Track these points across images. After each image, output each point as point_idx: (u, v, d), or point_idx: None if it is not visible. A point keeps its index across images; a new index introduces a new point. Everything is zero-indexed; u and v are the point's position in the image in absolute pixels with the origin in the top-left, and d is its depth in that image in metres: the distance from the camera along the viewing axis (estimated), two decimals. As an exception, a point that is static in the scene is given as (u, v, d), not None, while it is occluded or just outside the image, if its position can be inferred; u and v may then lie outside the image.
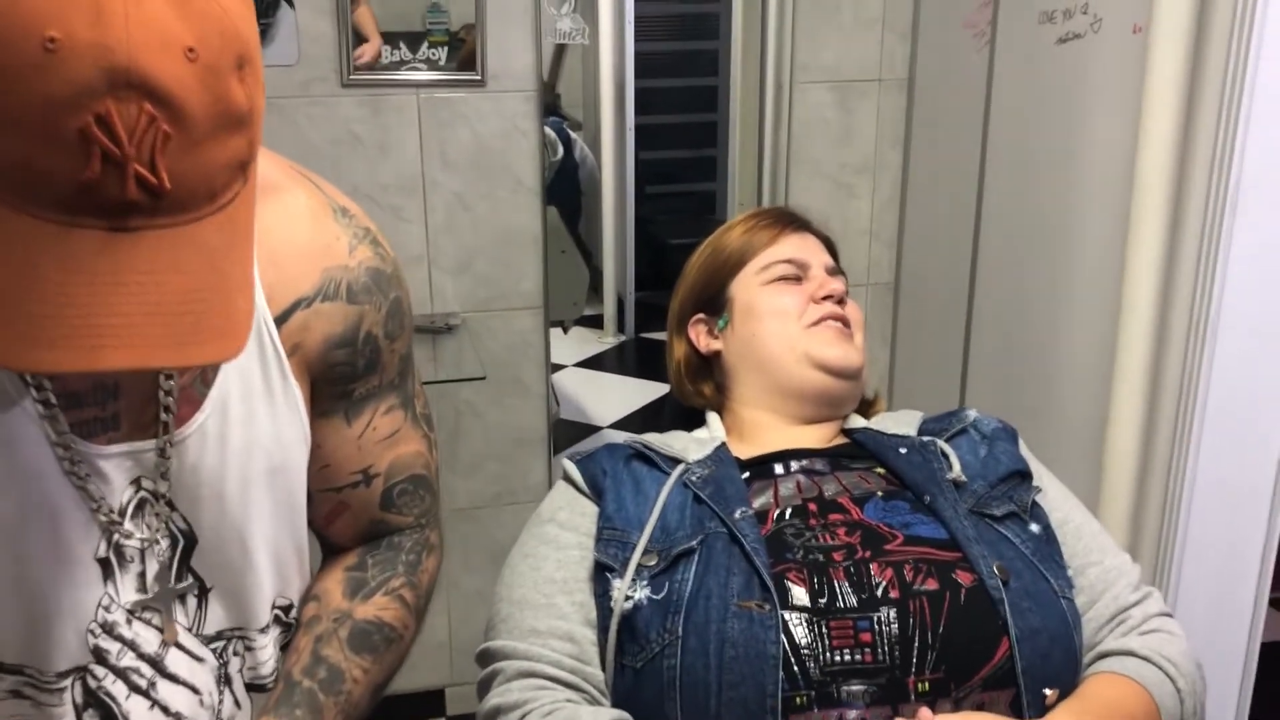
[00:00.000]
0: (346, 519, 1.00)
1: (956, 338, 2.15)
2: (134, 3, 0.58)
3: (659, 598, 0.97)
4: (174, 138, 0.60)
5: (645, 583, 0.99)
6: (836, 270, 1.26)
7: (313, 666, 0.92)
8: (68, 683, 0.83)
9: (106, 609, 0.83)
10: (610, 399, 4.49)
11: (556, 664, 0.98)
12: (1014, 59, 1.94)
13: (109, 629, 0.83)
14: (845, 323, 1.19)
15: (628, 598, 0.99)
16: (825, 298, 1.20)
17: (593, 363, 4.97)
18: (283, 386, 0.88)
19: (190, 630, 0.88)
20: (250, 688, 0.94)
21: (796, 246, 1.25)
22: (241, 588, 0.90)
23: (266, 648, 0.93)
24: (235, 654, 0.91)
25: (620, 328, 5.28)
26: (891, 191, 2.44)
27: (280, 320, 0.87)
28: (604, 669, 1.00)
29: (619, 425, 4.22)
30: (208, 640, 0.90)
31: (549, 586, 1.04)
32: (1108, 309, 1.63)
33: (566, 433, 3.93)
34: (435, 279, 2.23)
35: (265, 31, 2.02)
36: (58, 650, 0.82)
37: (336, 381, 0.92)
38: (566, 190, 4.19)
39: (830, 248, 1.29)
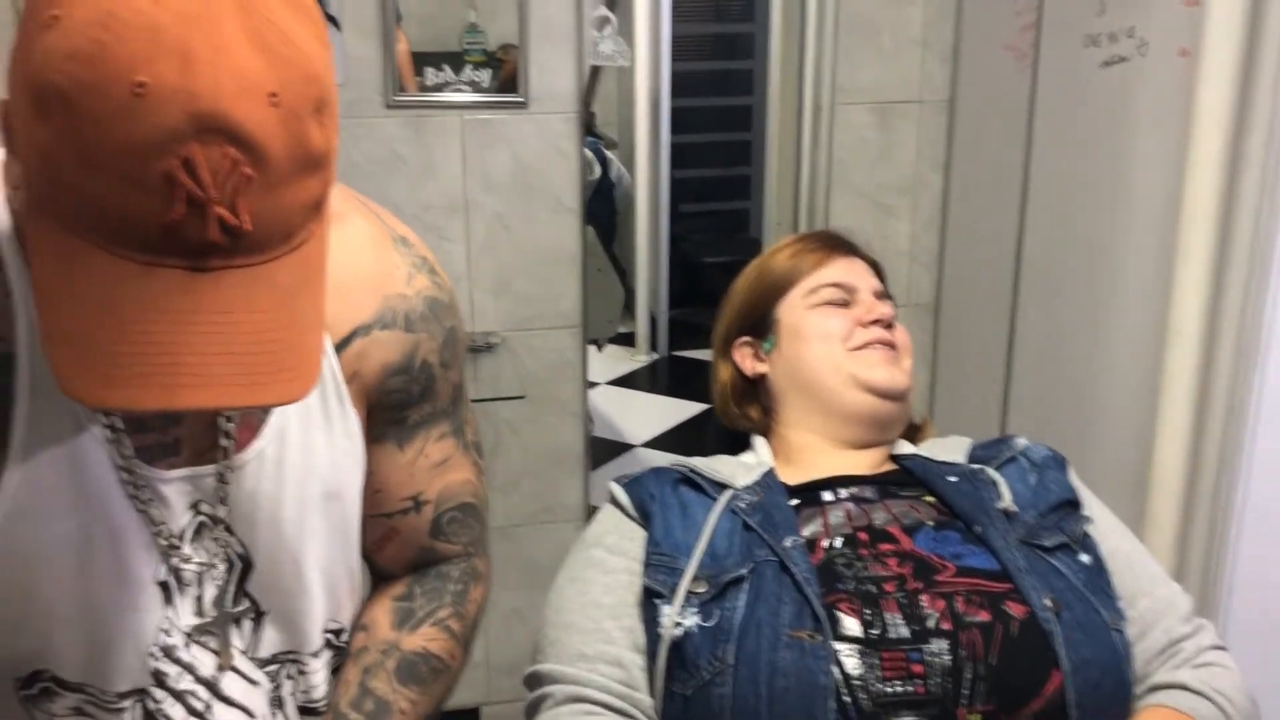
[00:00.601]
0: (396, 545, 1.01)
1: (998, 360, 2.14)
2: (221, 49, 0.60)
3: (709, 625, 0.97)
4: (255, 180, 0.61)
5: (695, 610, 0.99)
6: (884, 294, 1.26)
7: (360, 699, 0.93)
8: (128, 704, 0.84)
9: (166, 632, 0.84)
10: (643, 417, 4.50)
11: (605, 689, 0.98)
12: (1057, 82, 1.93)
13: (168, 652, 0.85)
14: (892, 346, 1.19)
15: (677, 624, 0.99)
16: (873, 322, 1.20)
17: (626, 381, 4.98)
18: (340, 413, 0.89)
19: (245, 654, 0.89)
20: (302, 710, 0.95)
21: (844, 270, 1.25)
22: (295, 611, 0.91)
23: (318, 671, 0.94)
24: (288, 677, 0.92)
25: (653, 346, 5.29)
26: (931, 213, 2.43)
27: (340, 347, 0.88)
28: (652, 695, 0.99)
29: (652, 444, 4.22)
30: (262, 664, 0.91)
31: (597, 611, 1.04)
32: (1153, 332, 1.62)
33: (599, 451, 3.94)
34: (475, 298, 2.24)
35: (311, 53, 2.04)
36: (119, 671, 0.83)
37: (391, 408, 0.93)
38: (602, 209, 4.20)
39: (878, 271, 1.29)
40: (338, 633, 0.96)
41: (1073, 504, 1.10)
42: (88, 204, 0.60)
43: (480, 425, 2.35)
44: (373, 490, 0.96)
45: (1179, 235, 1.52)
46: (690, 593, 1.00)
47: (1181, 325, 1.54)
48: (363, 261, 0.90)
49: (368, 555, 1.01)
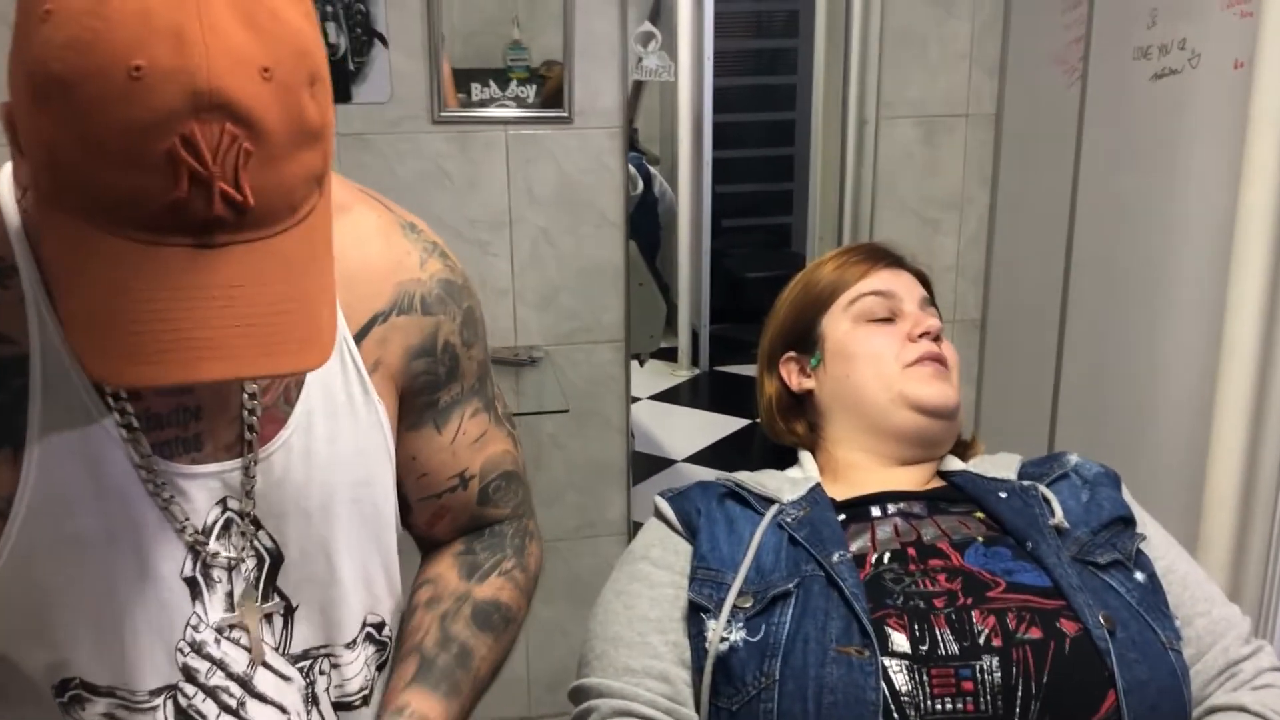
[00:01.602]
0: (447, 521, 1.03)
1: (1046, 376, 2.11)
2: (211, 28, 0.61)
3: (755, 640, 0.97)
4: (254, 155, 0.62)
5: (741, 624, 0.98)
6: (931, 304, 1.25)
7: (445, 642, 0.94)
8: (159, 701, 0.85)
9: (195, 628, 0.85)
10: (684, 432, 4.49)
11: (651, 704, 0.98)
12: (1107, 95, 1.91)
13: (198, 648, 0.85)
14: (942, 362, 1.18)
15: (723, 639, 0.98)
16: (922, 335, 1.18)
17: (667, 395, 4.98)
18: (365, 402, 0.89)
19: (277, 650, 0.89)
20: (337, 706, 0.95)
21: (888, 280, 1.24)
22: (328, 603, 0.91)
23: (354, 664, 0.94)
24: (321, 673, 0.92)
25: (695, 360, 5.28)
26: (978, 227, 2.41)
27: (359, 337, 0.89)
28: (698, 710, 0.99)
29: (693, 459, 4.21)
30: (295, 660, 0.91)
31: (643, 625, 1.03)
32: (1206, 348, 1.59)
33: (641, 466, 3.93)
34: (520, 312, 2.25)
35: (359, 70, 2.07)
36: (148, 669, 0.83)
37: (421, 392, 0.95)
38: (645, 225, 4.22)
39: (925, 283, 1.28)
40: (379, 626, 0.97)
41: (1126, 521, 1.08)
42: (93, 189, 0.61)
43: (523, 439, 2.36)
44: (419, 475, 0.98)
45: (1234, 249, 1.50)
46: (736, 607, 0.99)
47: (1236, 341, 1.51)
48: (373, 251, 0.91)
49: (420, 534, 1.03)
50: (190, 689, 0.85)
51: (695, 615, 1.02)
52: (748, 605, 0.99)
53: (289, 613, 0.89)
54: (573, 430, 2.34)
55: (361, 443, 0.90)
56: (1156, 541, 1.10)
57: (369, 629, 0.95)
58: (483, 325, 1.00)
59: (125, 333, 0.62)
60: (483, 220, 2.19)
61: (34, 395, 0.76)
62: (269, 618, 0.88)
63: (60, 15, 0.60)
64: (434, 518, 1.02)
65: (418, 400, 0.95)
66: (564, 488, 2.38)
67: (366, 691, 0.96)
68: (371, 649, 0.96)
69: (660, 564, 1.08)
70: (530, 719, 2.48)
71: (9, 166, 0.80)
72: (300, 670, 0.91)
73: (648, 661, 1.00)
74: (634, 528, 2.41)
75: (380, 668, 0.98)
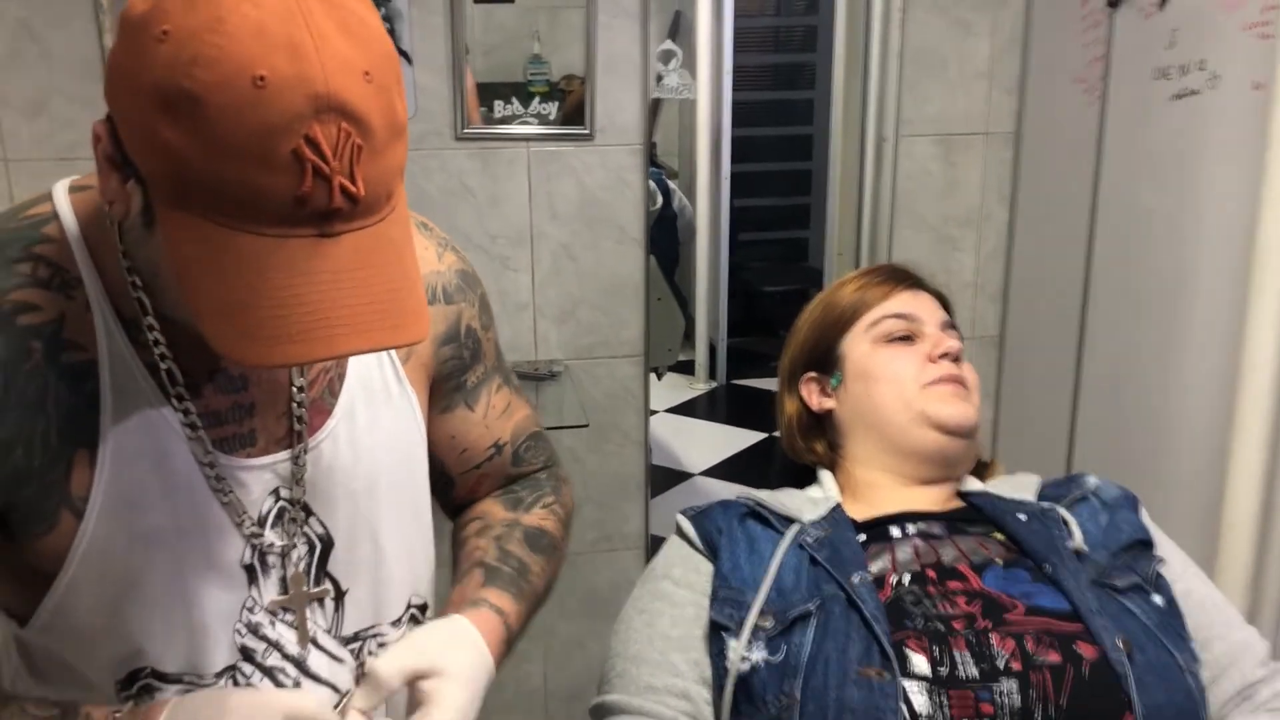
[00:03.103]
0: (487, 484, 1.11)
1: (1064, 395, 2.11)
2: (320, 38, 0.67)
3: (776, 660, 0.98)
4: (364, 150, 0.69)
5: (762, 644, 0.99)
6: (951, 326, 1.25)
7: (503, 557, 1.00)
8: (222, 683, 0.88)
9: (250, 610, 0.89)
10: (701, 445, 4.49)
11: (672, 722, 0.99)
12: (1126, 115, 1.92)
13: (254, 629, 0.89)
14: (962, 383, 1.19)
15: (744, 658, 0.99)
16: (942, 355, 1.19)
17: (684, 409, 4.98)
18: (400, 391, 0.96)
19: (329, 632, 0.94)
20: None
21: (909, 302, 1.25)
22: (376, 583, 0.96)
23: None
24: (370, 653, 0.97)
25: (712, 374, 5.29)
26: (996, 245, 2.42)
27: None
28: (718, 729, 1.00)
29: (710, 472, 4.21)
30: (346, 641, 0.95)
31: (664, 643, 1.04)
32: (1225, 369, 1.59)
33: (658, 479, 3.94)
34: (540, 327, 2.27)
35: (384, 87, 2.09)
36: (214, 653, 0.88)
37: (450, 376, 1.02)
38: (664, 239, 4.23)
39: (945, 304, 1.29)
40: (422, 608, 1.02)
41: (1145, 544, 1.09)
42: (223, 191, 0.67)
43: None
44: (459, 451, 1.06)
45: (1252, 269, 1.50)
46: (758, 627, 1.00)
47: (1255, 360, 1.51)
48: None
49: (461, 502, 1.10)
50: (248, 668, 0.89)
51: (716, 634, 1.03)
52: (769, 625, 1.00)
53: (340, 597, 0.94)
54: (591, 444, 2.35)
55: (399, 429, 0.96)
56: (1175, 564, 1.10)
57: (413, 609, 1.00)
58: (490, 309, 1.08)
59: (268, 317, 0.68)
60: (504, 235, 2.21)
61: (105, 398, 0.80)
62: (320, 601, 0.93)
63: (179, 35, 0.66)
64: (475, 486, 1.10)
65: (447, 384, 1.03)
66: (582, 501, 2.39)
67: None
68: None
69: (682, 583, 1.09)
70: (547, 732, 2.48)
71: (62, 183, 0.83)
72: (351, 652, 0.95)
73: (669, 680, 1.01)
74: (651, 541, 2.42)
75: None
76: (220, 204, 0.67)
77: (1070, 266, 2.09)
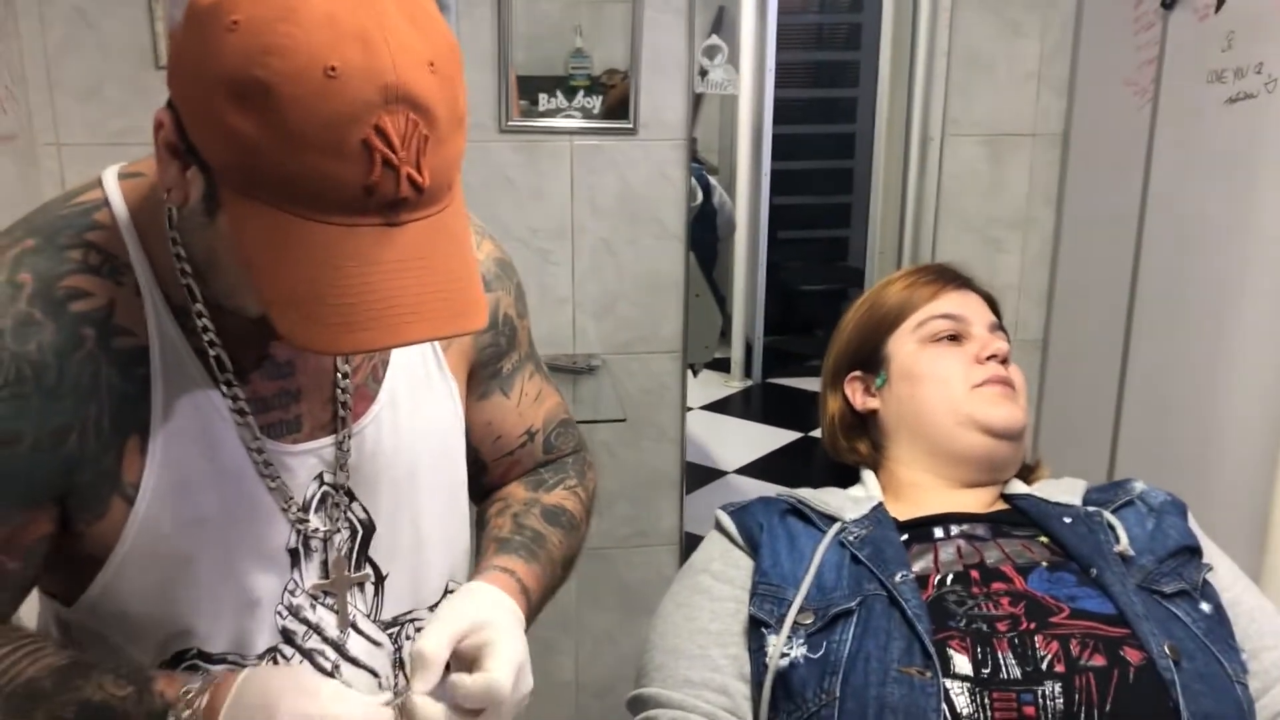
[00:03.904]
0: (518, 470, 1.12)
1: (1108, 400, 2.09)
2: (390, 29, 0.67)
3: (816, 657, 0.97)
4: (429, 139, 0.69)
5: (802, 641, 0.99)
6: (999, 328, 1.24)
7: (518, 529, 1.01)
8: (265, 663, 0.90)
9: (292, 593, 0.90)
10: (736, 443, 4.48)
11: (710, 716, 0.98)
12: (1178, 118, 1.89)
13: (295, 612, 0.90)
14: (1010, 385, 1.17)
15: (783, 655, 0.98)
16: (990, 357, 1.18)
17: (719, 406, 4.97)
18: (441, 377, 0.97)
19: (369, 617, 0.95)
20: None
21: (957, 303, 1.23)
22: (415, 568, 0.97)
23: None
24: (408, 638, 0.98)
25: (748, 372, 5.28)
26: (1041, 248, 2.39)
27: None
28: (756, 724, 0.99)
29: (744, 471, 4.20)
30: (385, 626, 0.96)
31: (703, 637, 1.04)
32: (1274, 374, 1.57)
33: (691, 476, 3.93)
34: (579, 321, 2.27)
35: (430, 79, 2.10)
36: (258, 635, 0.89)
37: (488, 363, 1.03)
38: (704, 235, 4.22)
39: (993, 306, 1.27)
40: None
41: (1193, 550, 1.07)
42: (292, 180, 0.68)
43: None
44: (494, 438, 1.07)
45: (1307, 277, 1.47)
46: (797, 623, 1.00)
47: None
48: None
49: (493, 487, 1.10)
50: (289, 650, 0.91)
51: (756, 630, 1.02)
52: (809, 622, 1.00)
53: (380, 581, 0.95)
54: (627, 439, 2.35)
55: (439, 415, 0.97)
56: (1223, 573, 1.09)
57: (449, 593, 1.01)
58: (525, 296, 1.09)
59: (337, 305, 0.69)
60: (545, 229, 2.21)
61: (155, 384, 0.81)
62: (360, 586, 0.94)
63: (251, 25, 0.66)
64: (507, 471, 1.10)
65: (485, 371, 1.04)
66: (616, 497, 2.39)
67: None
68: None
69: (721, 578, 1.09)
70: (578, 725, 2.49)
71: (112, 170, 0.84)
72: (390, 636, 0.96)
73: (707, 674, 1.01)
74: (686, 538, 2.41)
75: None
76: (290, 193, 0.68)
77: (1117, 271, 2.06)
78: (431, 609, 0.99)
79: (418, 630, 0.98)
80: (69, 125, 2.00)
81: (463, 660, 0.84)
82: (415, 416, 0.95)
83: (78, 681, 0.80)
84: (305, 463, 0.89)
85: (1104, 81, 2.16)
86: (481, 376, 1.04)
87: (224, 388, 0.84)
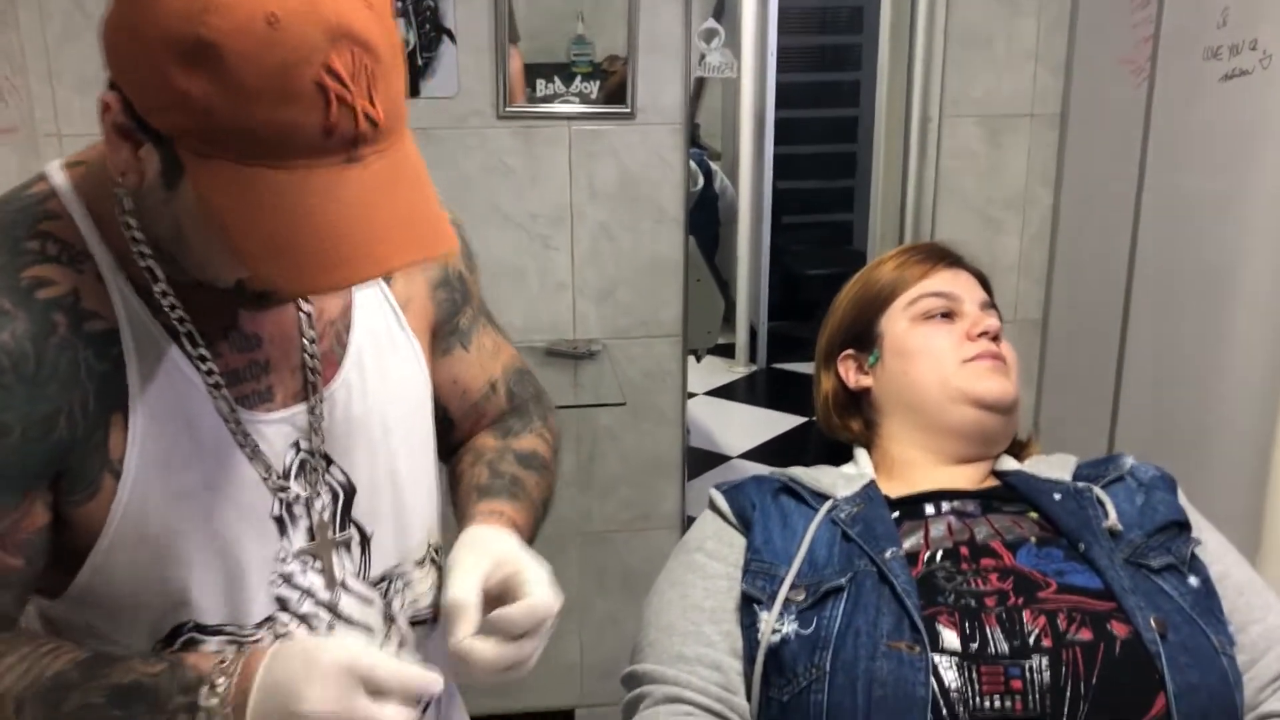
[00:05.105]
0: (485, 422, 1.13)
1: (1107, 379, 2.09)
2: None
3: (807, 633, 0.98)
4: (377, 73, 0.71)
5: (793, 617, 1.00)
6: (990, 306, 1.25)
7: (495, 475, 1.04)
8: (263, 633, 0.91)
9: (283, 560, 0.91)
10: (740, 428, 4.50)
11: (703, 691, 1.00)
12: (1174, 96, 1.89)
13: (287, 578, 0.92)
14: (1001, 359, 1.18)
15: (775, 631, 1.00)
16: (981, 334, 1.19)
17: (723, 391, 4.98)
18: (405, 338, 0.99)
19: (358, 576, 0.96)
20: (412, 622, 1.01)
21: (948, 281, 1.24)
22: (398, 525, 0.99)
23: (424, 582, 1.02)
24: (396, 592, 1.00)
25: (752, 357, 5.28)
26: (1040, 227, 2.40)
27: (388, 280, 0.98)
28: (749, 700, 1.00)
29: (748, 455, 4.22)
30: (374, 583, 0.98)
31: (696, 614, 1.05)
32: (1272, 351, 1.57)
33: (696, 461, 3.95)
34: (579, 306, 2.28)
35: (427, 65, 2.11)
36: (253, 604, 0.90)
37: (446, 320, 1.05)
38: (705, 221, 4.22)
39: (984, 284, 1.28)
40: (439, 550, 1.05)
41: (1181, 525, 1.08)
42: (252, 132, 0.68)
43: (579, 430, 2.39)
44: (460, 393, 1.09)
45: (1301, 254, 1.48)
46: (789, 600, 1.01)
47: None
48: None
49: (459, 443, 1.12)
50: (285, 617, 0.92)
51: (748, 606, 1.03)
52: (800, 598, 1.01)
53: (365, 541, 0.97)
54: (628, 423, 2.36)
55: (406, 375, 0.99)
56: (1212, 547, 1.09)
57: (431, 550, 1.03)
58: (471, 250, 1.11)
59: (314, 248, 0.70)
60: (544, 214, 2.22)
61: (130, 363, 0.82)
62: (347, 546, 0.95)
63: None
64: (473, 425, 1.12)
65: (444, 328, 1.05)
66: (618, 480, 2.40)
67: (434, 609, 1.03)
68: (435, 573, 1.03)
69: (714, 555, 1.10)
70: (583, 706, 2.51)
71: (54, 163, 0.86)
72: (380, 591, 0.98)
73: (700, 650, 1.02)
74: (688, 522, 2.43)
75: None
76: (250, 146, 0.69)
77: (1115, 250, 2.06)
78: (418, 564, 1.01)
79: (406, 585, 1.00)
80: (69, 116, 2.01)
81: (491, 600, 0.87)
82: (383, 377, 0.97)
83: (104, 669, 0.81)
84: (281, 431, 0.90)
85: (1101, 60, 2.16)
86: (442, 333, 1.05)
87: (198, 362, 0.85)
